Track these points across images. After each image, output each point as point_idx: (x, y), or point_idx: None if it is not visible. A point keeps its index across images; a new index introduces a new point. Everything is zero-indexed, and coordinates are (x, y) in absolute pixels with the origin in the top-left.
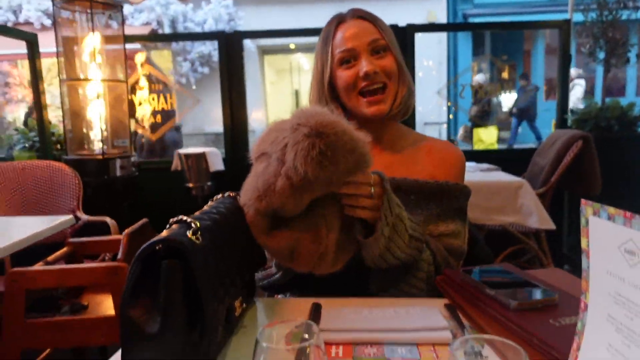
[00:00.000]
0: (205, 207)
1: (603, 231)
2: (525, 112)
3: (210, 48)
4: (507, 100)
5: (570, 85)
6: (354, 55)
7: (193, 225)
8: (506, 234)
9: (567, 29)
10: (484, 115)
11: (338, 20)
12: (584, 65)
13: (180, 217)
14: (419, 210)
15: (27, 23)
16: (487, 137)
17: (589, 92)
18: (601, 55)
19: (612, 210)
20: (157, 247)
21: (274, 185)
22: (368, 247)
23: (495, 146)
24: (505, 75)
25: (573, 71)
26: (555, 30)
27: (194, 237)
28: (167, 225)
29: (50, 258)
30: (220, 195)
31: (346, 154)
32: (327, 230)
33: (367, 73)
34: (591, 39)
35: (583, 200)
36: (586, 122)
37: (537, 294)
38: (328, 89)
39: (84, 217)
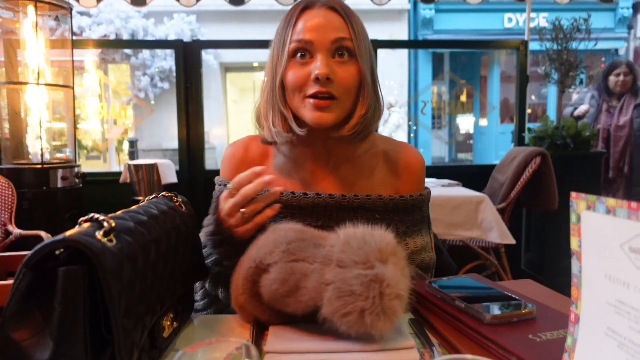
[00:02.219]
0: (132, 207)
1: (600, 228)
2: None
3: (170, 63)
4: (465, 121)
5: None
6: (310, 51)
7: (106, 224)
8: (466, 250)
9: (524, 50)
10: None
11: (305, 5)
12: (535, 91)
13: (92, 214)
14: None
15: None
16: None
17: (544, 114)
18: (555, 76)
19: (611, 201)
20: (57, 252)
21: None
22: None
23: None
24: (463, 98)
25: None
26: (509, 58)
27: (105, 239)
28: (77, 225)
29: None
30: (153, 196)
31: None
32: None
33: (319, 76)
34: (547, 61)
35: (573, 194)
36: (543, 139)
37: (512, 307)
38: (279, 87)
39: (17, 231)
